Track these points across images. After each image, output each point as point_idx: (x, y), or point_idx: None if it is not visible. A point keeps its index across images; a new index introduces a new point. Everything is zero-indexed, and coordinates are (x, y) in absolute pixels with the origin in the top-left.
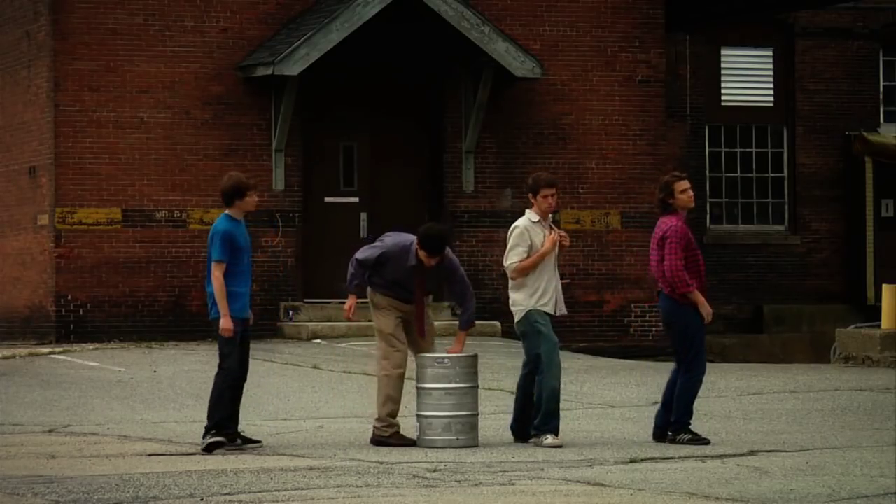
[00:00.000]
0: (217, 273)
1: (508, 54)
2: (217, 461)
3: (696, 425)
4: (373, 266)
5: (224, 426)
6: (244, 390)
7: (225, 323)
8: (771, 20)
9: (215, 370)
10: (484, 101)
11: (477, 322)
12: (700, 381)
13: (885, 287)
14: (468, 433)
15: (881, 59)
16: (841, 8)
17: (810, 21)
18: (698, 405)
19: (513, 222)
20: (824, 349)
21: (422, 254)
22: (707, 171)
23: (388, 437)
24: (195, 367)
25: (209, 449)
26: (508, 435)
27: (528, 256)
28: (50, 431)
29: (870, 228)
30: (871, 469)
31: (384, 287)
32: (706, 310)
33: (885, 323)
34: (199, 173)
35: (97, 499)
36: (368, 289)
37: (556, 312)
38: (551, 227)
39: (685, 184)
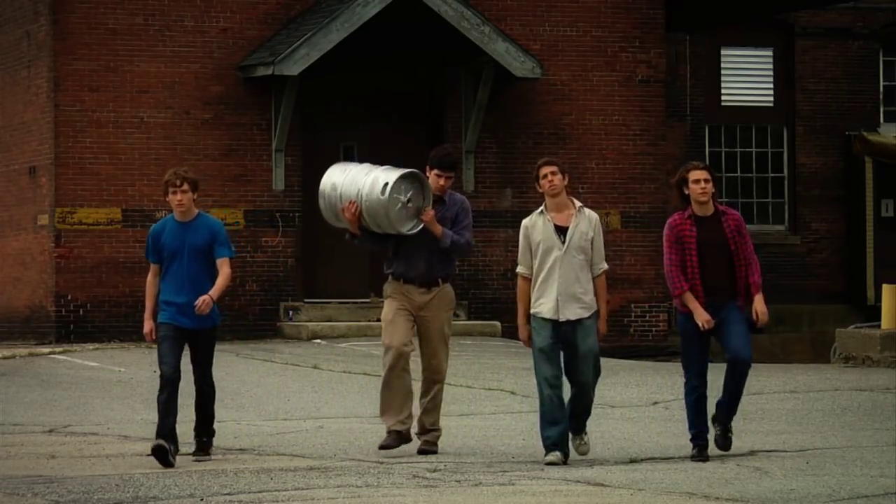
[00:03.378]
0: (148, 276)
1: (508, 54)
2: (217, 461)
3: None
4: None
5: (165, 437)
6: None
7: (144, 326)
8: (771, 20)
9: (215, 370)
10: (484, 100)
11: (477, 322)
12: (687, 391)
13: (885, 287)
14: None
15: (881, 59)
16: (841, 8)
17: (810, 21)
18: None
19: (513, 223)
20: (824, 349)
21: (434, 176)
22: None
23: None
24: None
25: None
26: (509, 435)
27: (530, 256)
28: (50, 431)
29: (870, 228)
30: (871, 469)
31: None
32: (699, 317)
33: (885, 323)
34: (199, 173)
35: (97, 499)
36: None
37: (559, 317)
38: (577, 212)
39: (698, 173)
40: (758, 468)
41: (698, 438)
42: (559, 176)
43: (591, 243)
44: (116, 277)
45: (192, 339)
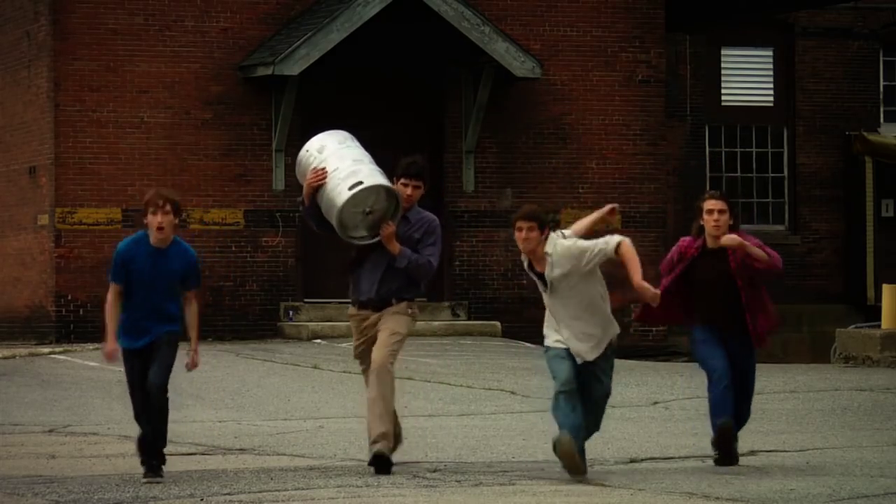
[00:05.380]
0: (109, 295)
1: (508, 54)
2: (217, 461)
3: (695, 425)
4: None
5: (146, 456)
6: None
7: (106, 346)
8: (771, 20)
9: (214, 370)
10: (484, 101)
11: (477, 322)
12: (713, 382)
13: (885, 287)
14: None
15: (881, 59)
16: (841, 8)
17: (810, 21)
18: (698, 405)
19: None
20: (824, 349)
21: (401, 186)
22: (707, 171)
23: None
24: None
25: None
26: (509, 435)
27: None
28: (50, 431)
29: (870, 228)
30: (871, 469)
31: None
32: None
33: (886, 323)
34: (200, 173)
35: (97, 499)
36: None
37: (577, 360)
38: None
39: (713, 203)
40: (758, 468)
41: (719, 426)
42: (536, 233)
43: (580, 263)
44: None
45: (150, 349)
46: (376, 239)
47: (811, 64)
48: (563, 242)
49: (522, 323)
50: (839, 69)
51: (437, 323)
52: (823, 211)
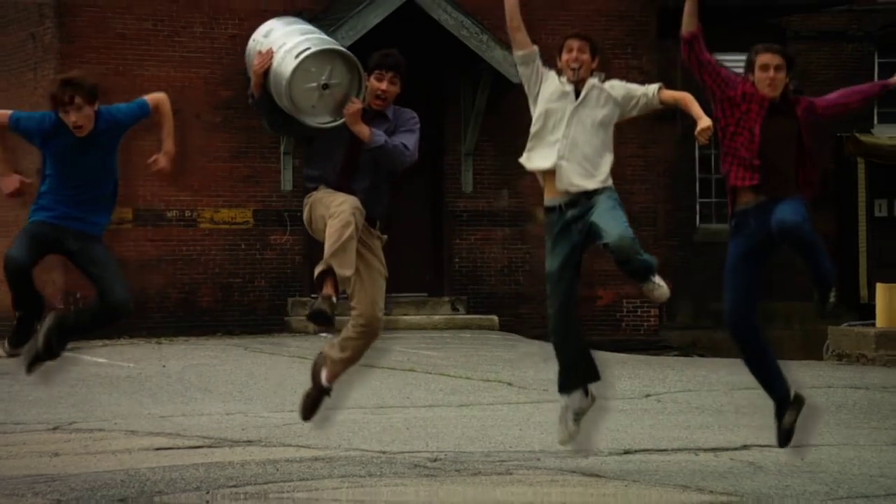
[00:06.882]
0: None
1: (506, 61)
2: (224, 453)
3: (687, 418)
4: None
5: (24, 321)
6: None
7: (7, 182)
8: (762, 25)
9: (223, 364)
10: (482, 105)
11: (475, 316)
12: (731, 333)
13: (878, 286)
14: None
15: (876, 61)
16: (835, 11)
17: (802, 25)
18: (689, 398)
19: (510, 222)
20: (816, 347)
21: (374, 80)
22: (696, 173)
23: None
24: (204, 360)
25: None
26: (506, 426)
27: (535, 98)
28: (55, 429)
29: (862, 228)
30: (869, 468)
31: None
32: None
33: (880, 321)
34: (209, 175)
35: (101, 495)
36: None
37: (567, 186)
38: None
39: (767, 57)
40: (752, 462)
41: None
42: (587, 56)
43: (625, 106)
44: (127, 275)
45: (81, 246)
46: (341, 121)
47: (803, 67)
48: (609, 81)
49: (519, 317)
50: (831, 72)
51: (437, 317)
52: (816, 211)
